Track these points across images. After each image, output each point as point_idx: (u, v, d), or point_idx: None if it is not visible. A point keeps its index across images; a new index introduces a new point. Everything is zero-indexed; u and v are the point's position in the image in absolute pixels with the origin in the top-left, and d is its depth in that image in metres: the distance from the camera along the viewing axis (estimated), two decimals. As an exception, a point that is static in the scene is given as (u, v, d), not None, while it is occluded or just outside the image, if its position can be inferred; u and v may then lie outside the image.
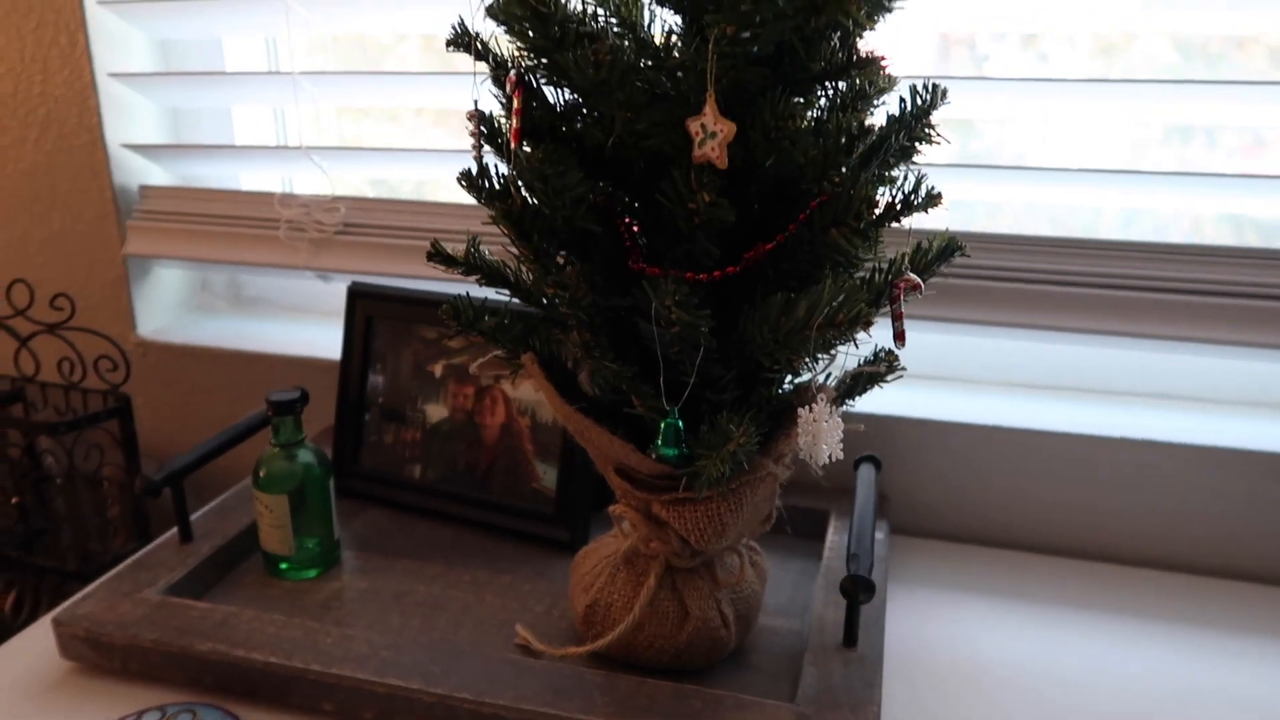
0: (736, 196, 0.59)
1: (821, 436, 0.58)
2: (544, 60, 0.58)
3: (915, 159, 0.64)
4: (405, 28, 1.10)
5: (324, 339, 1.20)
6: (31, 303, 1.04)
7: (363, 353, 1.04)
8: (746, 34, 0.52)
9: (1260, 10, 0.87)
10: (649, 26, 0.66)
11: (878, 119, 0.65)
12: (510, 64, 0.62)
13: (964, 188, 0.97)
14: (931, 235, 0.67)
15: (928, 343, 1.08)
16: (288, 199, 1.12)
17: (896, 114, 0.63)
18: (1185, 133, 1.03)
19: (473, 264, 0.70)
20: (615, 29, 0.62)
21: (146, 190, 1.20)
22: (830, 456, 0.58)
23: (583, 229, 0.59)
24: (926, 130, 0.64)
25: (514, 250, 0.64)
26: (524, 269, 0.69)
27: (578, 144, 0.62)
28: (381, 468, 1.03)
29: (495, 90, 0.65)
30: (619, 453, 0.68)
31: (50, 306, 1.03)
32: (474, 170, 0.63)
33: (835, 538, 0.92)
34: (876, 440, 1.00)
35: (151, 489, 0.85)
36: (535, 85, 0.61)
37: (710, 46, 0.52)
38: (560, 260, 0.61)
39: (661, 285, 0.56)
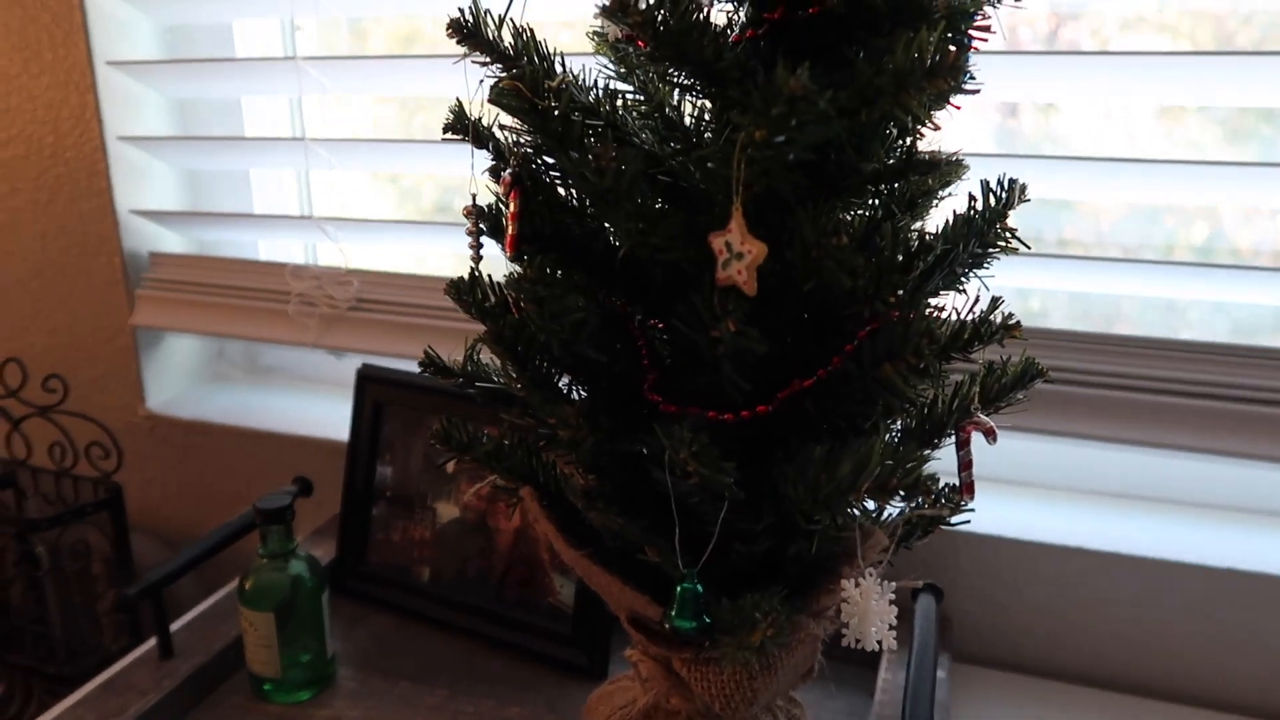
0: (769, 321, 0.49)
1: (870, 618, 0.47)
2: (546, 160, 0.49)
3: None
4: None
5: (341, 415, 1.12)
6: (24, 383, 0.98)
7: (371, 441, 0.96)
8: (781, 138, 0.42)
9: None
10: (679, 104, 0.57)
11: (936, 218, 0.55)
12: (508, 159, 0.53)
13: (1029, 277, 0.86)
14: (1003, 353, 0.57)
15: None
16: (300, 271, 1.05)
17: (964, 215, 0.53)
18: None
19: (471, 375, 0.61)
20: (635, 116, 0.54)
21: (157, 258, 1.14)
22: (880, 643, 0.47)
23: (585, 356, 0.49)
24: (1002, 235, 0.54)
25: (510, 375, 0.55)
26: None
27: (586, 249, 0.53)
28: (388, 567, 0.95)
29: (493, 186, 0.56)
30: (633, 603, 0.59)
31: (42, 388, 0.97)
32: (463, 280, 0.54)
33: (889, 675, 0.81)
34: (936, 555, 0.88)
35: (125, 604, 0.77)
36: (538, 182, 0.52)
37: (736, 152, 0.42)
38: (562, 388, 0.52)
39: (676, 431, 0.46)
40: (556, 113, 0.47)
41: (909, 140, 0.49)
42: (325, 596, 0.81)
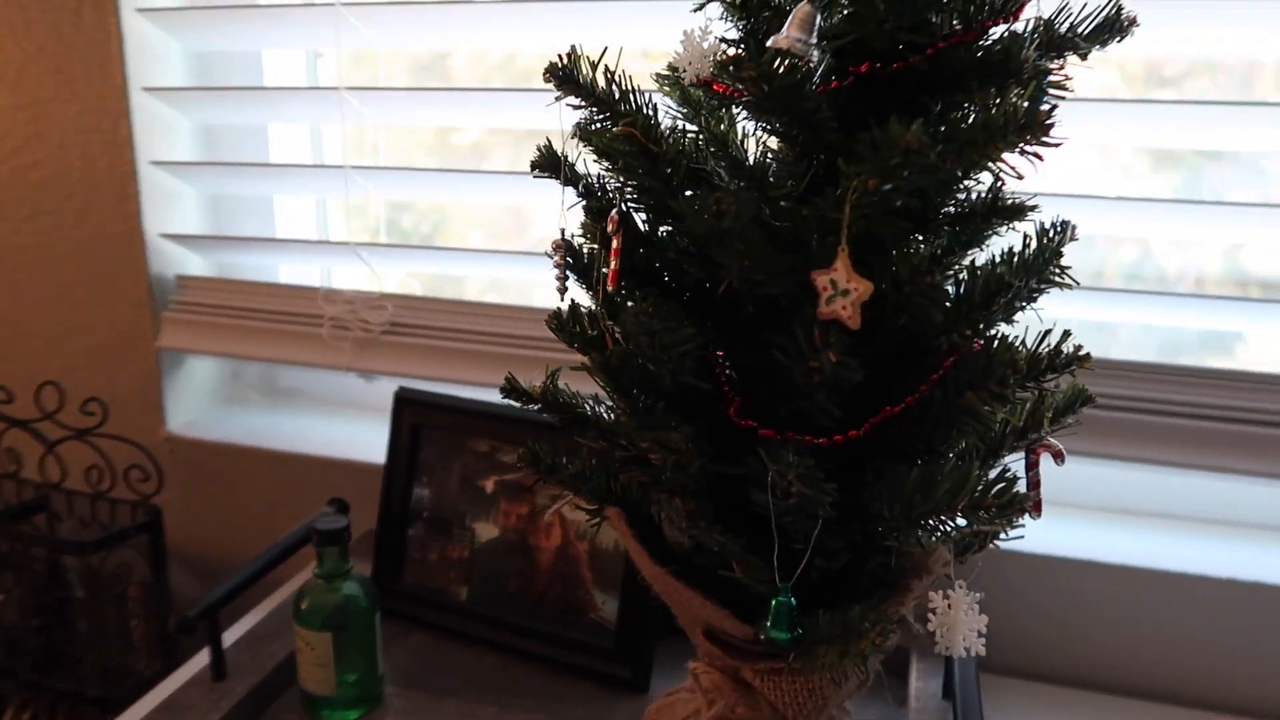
0: (861, 352, 0.53)
1: (959, 628, 0.51)
2: (652, 201, 0.53)
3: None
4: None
5: (363, 437, 1.13)
6: (61, 406, 0.99)
7: (408, 463, 0.98)
8: (889, 186, 0.46)
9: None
10: (742, 144, 0.61)
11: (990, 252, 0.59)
12: (609, 197, 0.57)
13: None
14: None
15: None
16: (332, 295, 1.07)
17: (1019, 254, 0.57)
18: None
19: (550, 401, 0.64)
20: (722, 166, 0.57)
21: (184, 280, 1.15)
22: (970, 650, 0.51)
23: (688, 384, 0.53)
24: (1056, 272, 0.58)
25: (608, 399, 0.58)
26: (606, 410, 0.63)
27: (680, 284, 0.57)
28: (425, 587, 0.97)
29: (588, 220, 0.59)
30: (712, 617, 0.62)
31: (81, 411, 0.97)
32: (563, 311, 0.57)
33: (920, 683, 0.84)
34: (960, 570, 0.93)
35: (186, 627, 0.78)
36: (636, 223, 0.56)
37: (848, 199, 0.46)
38: (662, 417, 0.55)
39: (783, 455, 0.50)
40: (669, 158, 0.51)
41: (998, 186, 0.54)
42: (377, 616, 0.83)
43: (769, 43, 0.48)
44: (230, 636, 0.88)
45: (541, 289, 1.15)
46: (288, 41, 1.08)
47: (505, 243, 1.17)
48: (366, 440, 1.13)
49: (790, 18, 0.48)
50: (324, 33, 0.97)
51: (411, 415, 0.98)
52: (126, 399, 1.16)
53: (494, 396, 0.97)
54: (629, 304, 0.53)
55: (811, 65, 0.49)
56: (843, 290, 0.49)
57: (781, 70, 0.48)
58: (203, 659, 0.87)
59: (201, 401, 1.23)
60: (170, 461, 1.17)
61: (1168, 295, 0.90)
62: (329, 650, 0.80)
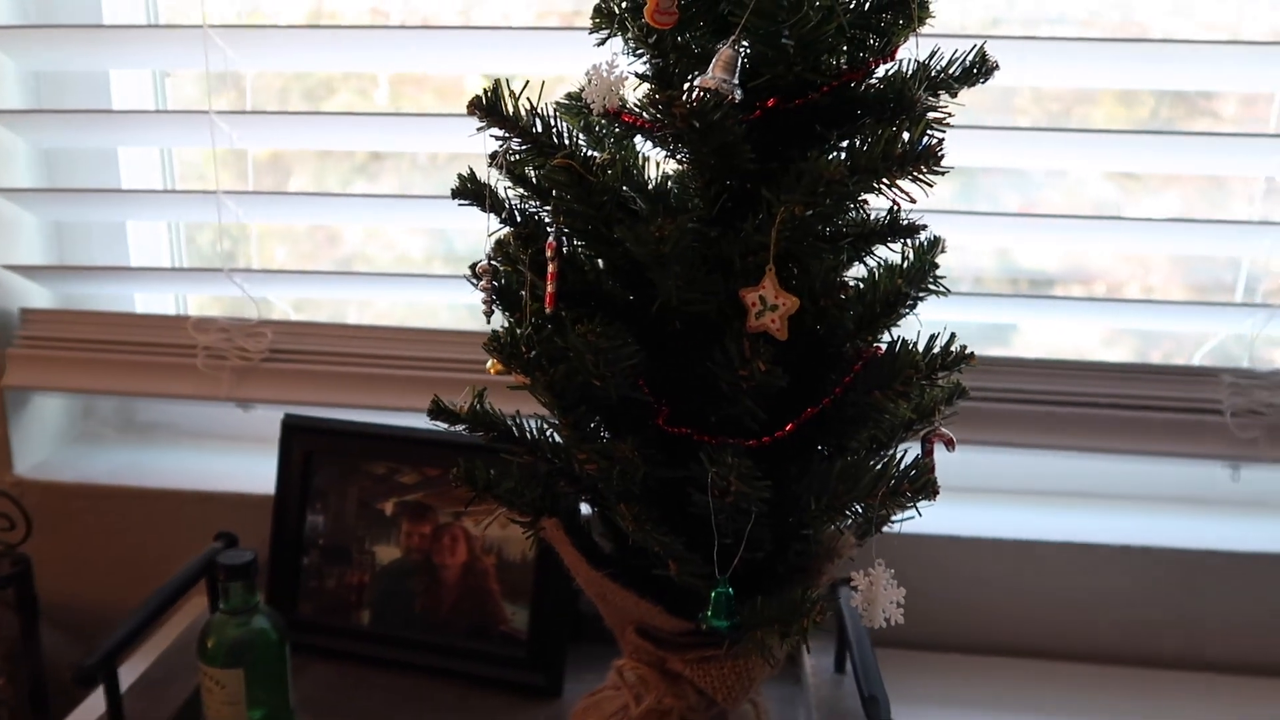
0: (781, 359, 0.58)
1: (879, 601, 0.57)
2: (588, 227, 0.56)
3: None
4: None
5: (239, 470, 1.10)
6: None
7: (300, 491, 0.97)
8: (811, 212, 0.52)
9: None
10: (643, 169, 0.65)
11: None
12: (537, 223, 0.60)
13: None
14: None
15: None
16: (204, 323, 1.03)
17: (913, 265, 0.64)
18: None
19: (479, 419, 0.67)
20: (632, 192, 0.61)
21: (29, 314, 1.08)
22: (889, 620, 0.57)
23: (630, 399, 0.57)
24: (933, 281, 0.66)
25: (541, 416, 0.61)
26: (531, 425, 0.66)
27: (610, 304, 0.60)
28: (324, 616, 0.95)
29: (517, 245, 0.62)
30: (646, 615, 0.66)
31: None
32: (502, 334, 0.60)
33: (814, 660, 0.92)
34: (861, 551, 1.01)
35: (83, 677, 0.75)
36: (571, 250, 0.59)
37: (777, 222, 0.52)
38: (598, 429, 0.59)
39: (723, 457, 0.55)
40: (603, 187, 0.55)
41: (894, 207, 0.60)
42: (288, 649, 0.82)
43: (698, 82, 0.53)
44: (126, 684, 0.84)
45: (410, 309, 1.15)
46: (149, 63, 1.03)
47: (313, 260, 1.16)
48: (242, 471, 1.09)
49: (714, 60, 0.53)
50: (192, 55, 0.94)
51: (302, 442, 0.96)
52: (-38, 443, 1.08)
53: (385, 418, 0.98)
54: (570, 325, 0.56)
55: (734, 101, 0.54)
56: (771, 305, 0.54)
57: (709, 107, 0.53)
58: (85, 715, 0.83)
59: (51, 441, 1.15)
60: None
61: (952, 294, 1.00)
62: (240, 688, 0.78)
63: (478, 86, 0.93)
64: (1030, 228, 0.97)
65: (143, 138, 1.05)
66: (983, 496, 1.08)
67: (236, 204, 0.99)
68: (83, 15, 1.04)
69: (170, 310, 1.17)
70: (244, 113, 0.97)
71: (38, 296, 1.11)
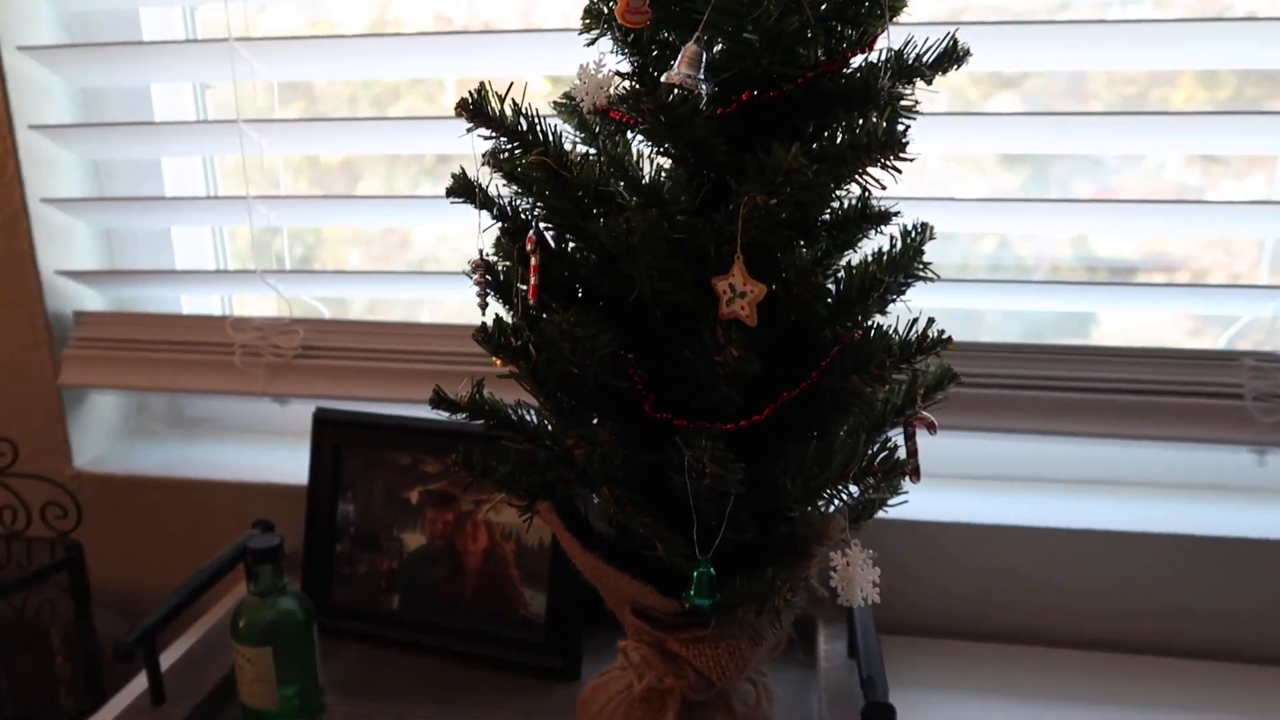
0: (757, 346, 0.60)
1: (857, 581, 0.58)
2: (564, 221, 0.58)
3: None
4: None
5: (278, 462, 1.15)
6: (-32, 449, 0.98)
7: (331, 482, 1.01)
8: (775, 201, 0.53)
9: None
10: (637, 163, 0.67)
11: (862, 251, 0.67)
12: (524, 218, 0.62)
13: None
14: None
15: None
16: (240, 322, 1.09)
17: (888, 254, 0.65)
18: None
19: (478, 408, 0.69)
20: (622, 186, 0.63)
21: (82, 316, 1.14)
22: (866, 600, 0.59)
23: (608, 385, 0.59)
24: (920, 267, 0.66)
25: (534, 404, 0.63)
26: (532, 413, 0.68)
27: (593, 295, 0.63)
28: (356, 601, 1.00)
29: (505, 240, 0.65)
30: (639, 595, 0.68)
31: (-11, 453, 0.97)
32: (489, 326, 0.62)
33: (828, 646, 0.93)
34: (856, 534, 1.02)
35: (124, 653, 0.80)
36: (552, 242, 0.62)
37: (742, 212, 0.53)
38: (585, 416, 0.61)
39: (697, 441, 0.56)
40: (579, 182, 0.57)
41: (866, 195, 0.62)
42: (315, 629, 0.86)
43: (663, 79, 0.55)
44: (163, 664, 0.90)
45: (428, 306, 1.19)
46: (182, 76, 1.09)
47: (385, 263, 1.20)
48: (281, 463, 1.15)
49: (680, 56, 0.55)
50: (220, 68, 0.99)
51: (332, 435, 1.01)
52: (29, 438, 1.15)
53: (410, 411, 1.02)
54: (549, 315, 0.59)
55: (701, 96, 0.56)
56: (740, 293, 0.56)
57: (675, 102, 0.55)
58: (133, 690, 0.88)
59: (108, 436, 1.22)
60: (80, 499, 1.16)
61: (1026, 283, 1.00)
62: (270, 665, 0.82)
63: (537, 89, 0.95)
64: (1102, 214, 0.96)
65: (178, 148, 1.11)
66: (1001, 484, 1.08)
67: (268, 208, 1.04)
68: (123, 33, 1.10)
69: (217, 311, 1.23)
70: (270, 121, 1.02)
71: (91, 300, 1.17)
